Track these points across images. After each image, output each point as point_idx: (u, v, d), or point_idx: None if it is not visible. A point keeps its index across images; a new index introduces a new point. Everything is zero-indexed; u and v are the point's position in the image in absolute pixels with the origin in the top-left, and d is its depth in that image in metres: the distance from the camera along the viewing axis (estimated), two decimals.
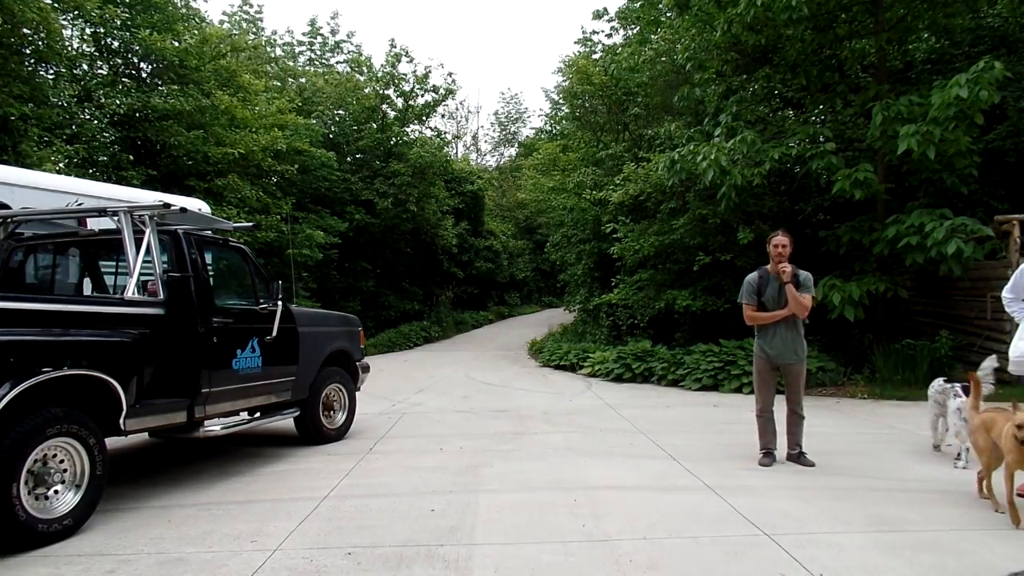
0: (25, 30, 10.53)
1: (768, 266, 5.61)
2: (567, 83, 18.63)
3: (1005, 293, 4.81)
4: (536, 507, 4.45)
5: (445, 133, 25.91)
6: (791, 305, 5.42)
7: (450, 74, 44.97)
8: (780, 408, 5.69)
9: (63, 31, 12.04)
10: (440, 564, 3.51)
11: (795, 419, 5.62)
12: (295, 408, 6.30)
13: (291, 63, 24.86)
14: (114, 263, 5.93)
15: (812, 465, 5.44)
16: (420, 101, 22.47)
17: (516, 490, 4.91)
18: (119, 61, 14.19)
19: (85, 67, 13.44)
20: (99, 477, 4.15)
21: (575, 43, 22.32)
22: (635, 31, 17.37)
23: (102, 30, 13.40)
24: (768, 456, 5.60)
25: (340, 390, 6.93)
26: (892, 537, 3.81)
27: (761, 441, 5.68)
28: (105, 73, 13.69)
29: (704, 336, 11.52)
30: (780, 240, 5.53)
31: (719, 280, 11.81)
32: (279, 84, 21.11)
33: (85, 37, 13.51)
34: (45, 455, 3.91)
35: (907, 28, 10.78)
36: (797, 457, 5.58)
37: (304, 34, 26.35)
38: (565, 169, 18.69)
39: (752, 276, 5.68)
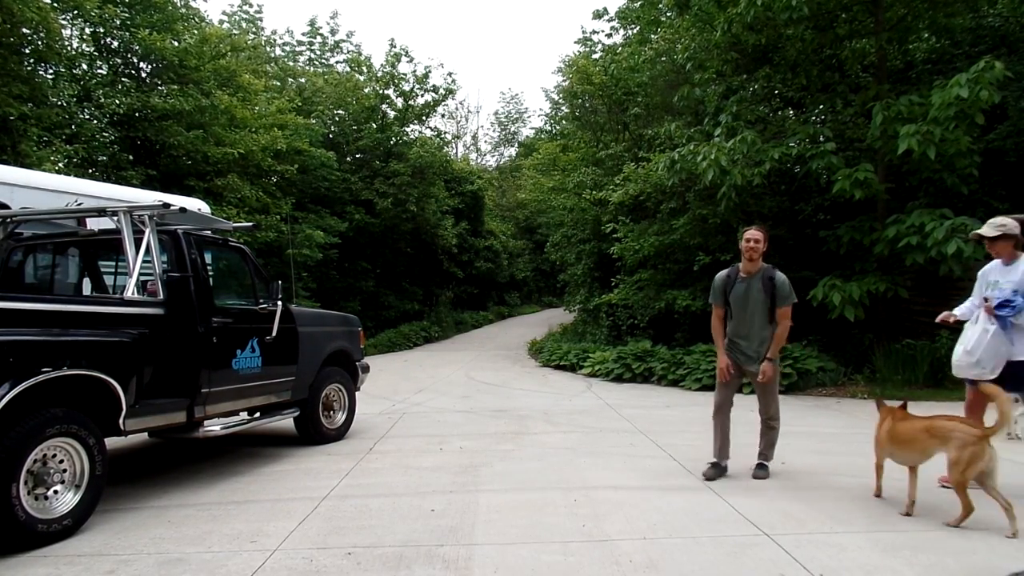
0: (25, 30, 10.53)
1: (740, 263, 5.18)
2: (567, 83, 18.63)
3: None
4: (536, 507, 4.45)
5: (445, 133, 25.95)
6: (774, 347, 5.03)
7: (450, 74, 44.98)
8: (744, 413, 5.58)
9: (63, 31, 12.05)
10: (440, 564, 3.51)
11: (764, 430, 5.27)
12: (295, 408, 6.29)
13: (291, 63, 24.86)
14: (114, 263, 5.93)
15: (764, 478, 5.08)
16: (420, 101, 22.50)
17: (516, 490, 4.91)
18: (119, 61, 14.19)
19: (85, 67, 13.43)
20: (99, 477, 4.14)
21: (575, 43, 22.35)
22: (635, 31, 17.37)
23: (102, 30, 13.40)
24: (714, 468, 5.18)
25: (340, 390, 6.92)
26: (892, 537, 3.80)
27: (713, 447, 5.25)
28: (105, 73, 13.68)
29: (704, 336, 11.51)
30: (753, 234, 5.07)
31: None
32: (279, 84, 21.12)
33: (85, 37, 13.51)
34: (45, 455, 3.90)
35: (907, 28, 10.79)
36: (756, 468, 5.20)
37: (304, 34, 26.38)
38: (565, 169, 18.69)
39: (721, 275, 5.25)
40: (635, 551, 3.64)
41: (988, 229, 4.75)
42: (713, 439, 5.27)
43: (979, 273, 4.91)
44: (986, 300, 4.63)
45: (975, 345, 4.58)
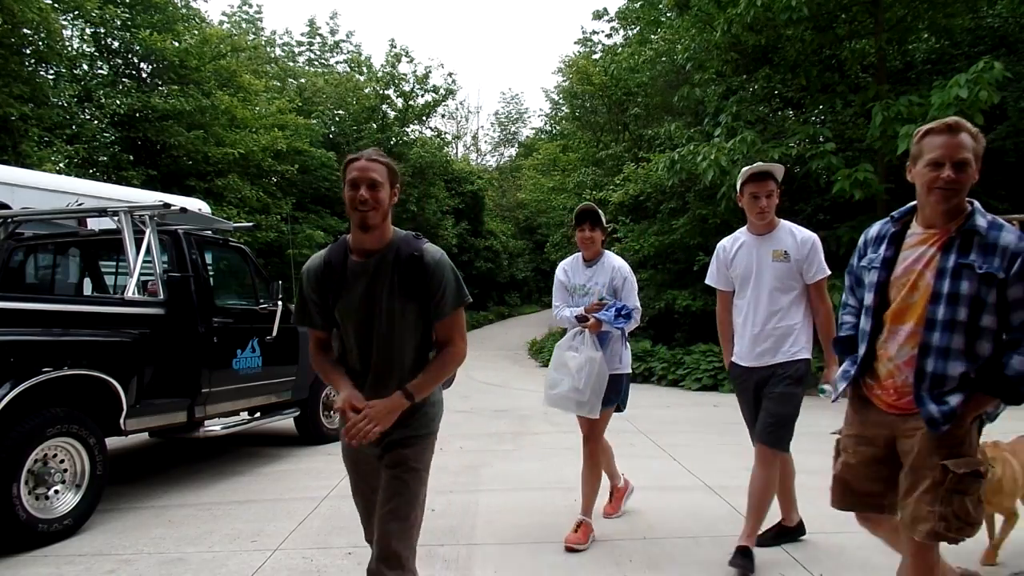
0: (25, 30, 10.54)
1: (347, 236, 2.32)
2: (567, 83, 18.69)
3: None
4: (536, 507, 4.45)
5: (445, 133, 25.98)
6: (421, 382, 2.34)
7: (450, 74, 44.84)
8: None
9: (63, 31, 12.07)
10: (440, 564, 3.51)
11: None
12: (295, 408, 6.29)
13: (291, 63, 24.89)
14: (114, 263, 5.93)
15: None
16: (420, 101, 22.53)
17: (516, 490, 4.91)
18: (119, 61, 14.22)
19: (85, 67, 13.46)
20: (99, 477, 4.15)
21: (575, 43, 22.42)
22: (635, 31, 17.39)
23: (102, 30, 13.43)
24: None
25: None
26: None
27: None
28: (105, 73, 13.71)
29: (704, 336, 11.51)
30: (361, 169, 2.11)
31: None
32: (279, 84, 21.13)
33: (85, 37, 13.53)
34: (45, 455, 3.90)
35: (907, 28, 10.78)
36: None
37: (303, 34, 26.46)
38: (565, 169, 18.73)
39: (315, 259, 2.33)
40: (635, 551, 3.65)
41: (600, 217, 3.75)
42: None
43: (557, 280, 3.87)
44: (583, 320, 3.58)
45: (586, 381, 3.53)
